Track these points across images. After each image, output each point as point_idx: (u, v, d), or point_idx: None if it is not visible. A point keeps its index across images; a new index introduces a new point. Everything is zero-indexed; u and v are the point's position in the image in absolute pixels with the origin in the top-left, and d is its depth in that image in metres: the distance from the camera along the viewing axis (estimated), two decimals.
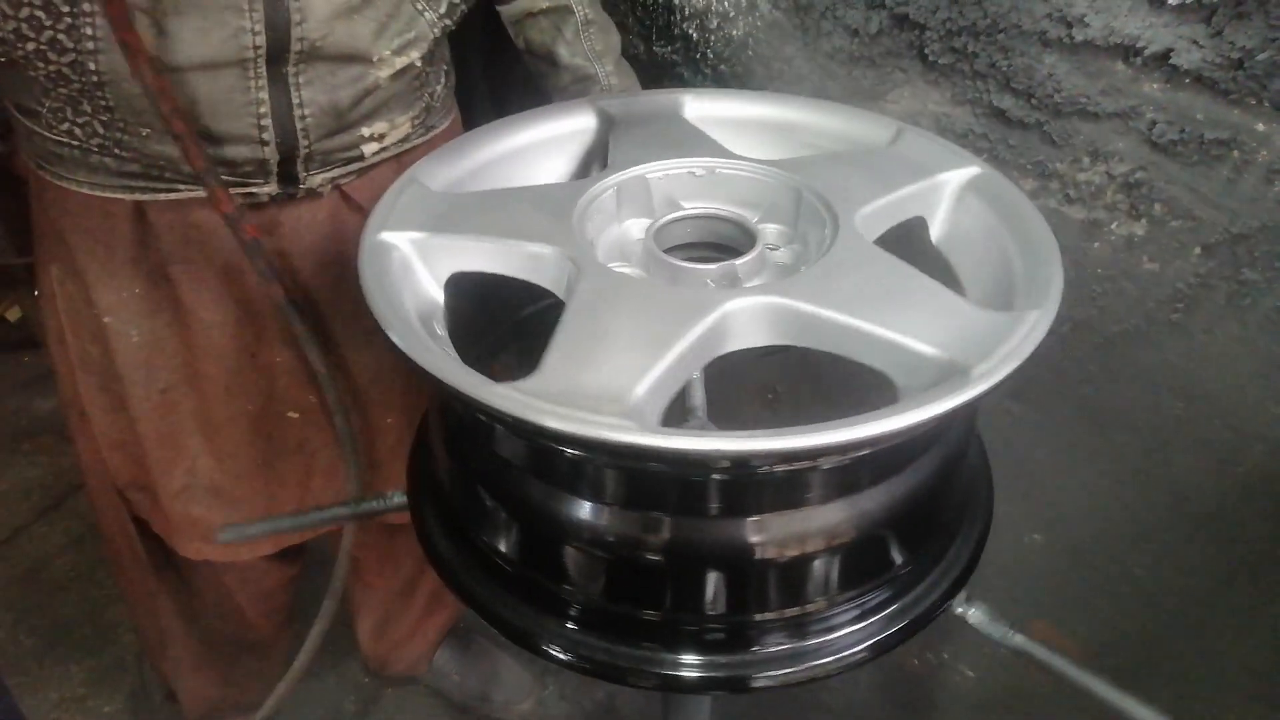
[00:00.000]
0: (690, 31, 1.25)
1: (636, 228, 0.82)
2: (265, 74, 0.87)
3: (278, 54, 0.86)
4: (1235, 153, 1.02)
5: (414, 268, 0.74)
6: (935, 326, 0.65)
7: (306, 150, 0.94)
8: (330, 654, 1.73)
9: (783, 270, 0.79)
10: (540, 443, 0.65)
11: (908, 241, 0.81)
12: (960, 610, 0.77)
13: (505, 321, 0.95)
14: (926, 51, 1.11)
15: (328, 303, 1.06)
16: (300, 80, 0.89)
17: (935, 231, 0.84)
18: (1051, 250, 0.73)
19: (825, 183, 0.80)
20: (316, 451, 1.15)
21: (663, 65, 1.31)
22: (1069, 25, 1.02)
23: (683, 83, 1.31)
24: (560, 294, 0.71)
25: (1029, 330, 0.63)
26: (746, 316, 0.67)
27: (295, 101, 0.90)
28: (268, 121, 0.90)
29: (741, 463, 0.60)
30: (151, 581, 1.25)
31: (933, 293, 0.69)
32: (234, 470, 1.11)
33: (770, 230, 0.82)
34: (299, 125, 0.92)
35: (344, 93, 0.92)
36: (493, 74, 1.38)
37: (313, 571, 1.50)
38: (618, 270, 0.73)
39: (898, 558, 0.72)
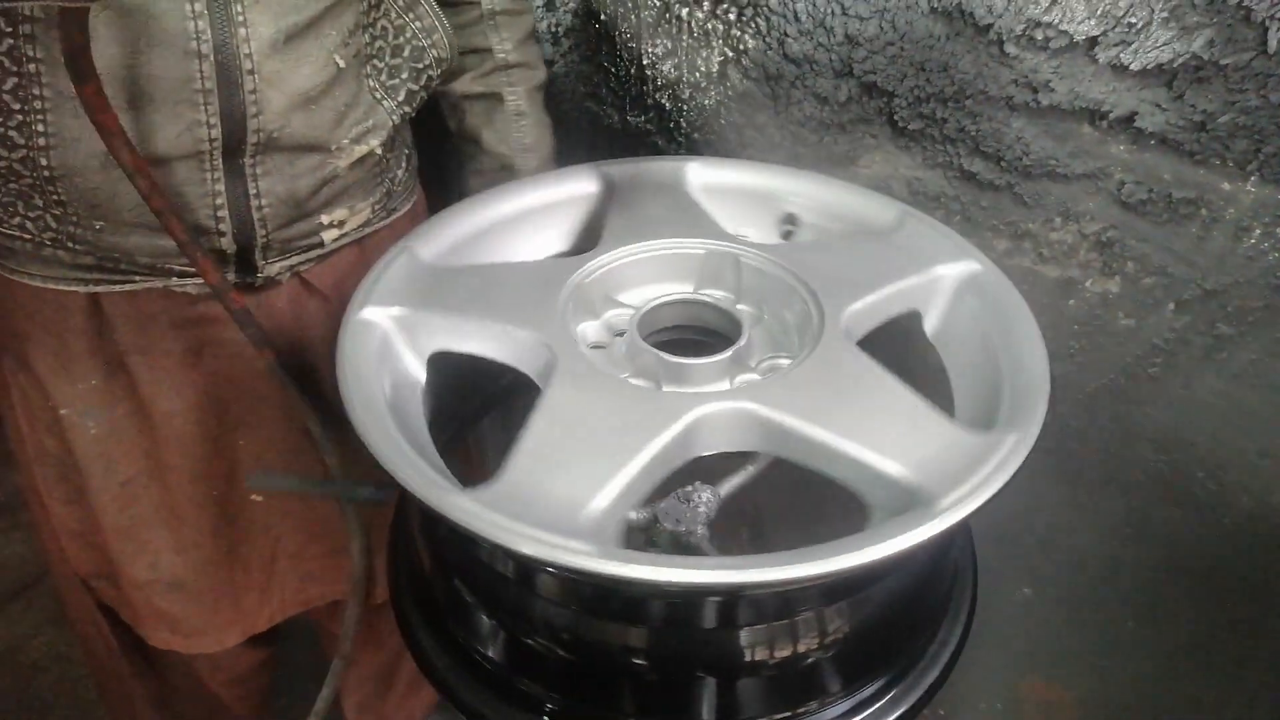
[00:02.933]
0: (663, 101, 1.27)
1: (624, 310, 0.81)
2: (221, 166, 0.86)
3: (234, 146, 0.86)
4: (1203, 211, 1.03)
5: (395, 345, 0.73)
6: (906, 445, 0.62)
7: (264, 240, 0.93)
8: None
9: (765, 368, 0.78)
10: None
11: (905, 333, 0.80)
12: None
13: (487, 388, 0.95)
14: (896, 118, 1.13)
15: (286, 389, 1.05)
16: (258, 171, 0.88)
17: (930, 326, 0.81)
18: (1040, 366, 0.69)
19: (817, 273, 0.78)
20: (282, 535, 1.13)
21: (637, 134, 1.32)
22: (1034, 90, 1.03)
23: (657, 151, 1.32)
24: (539, 381, 0.70)
25: (1003, 458, 0.60)
26: (716, 423, 0.65)
27: (253, 192, 0.89)
28: (224, 213, 0.89)
29: (690, 594, 0.59)
30: (123, 668, 1.22)
31: (909, 407, 0.66)
32: (197, 562, 1.09)
33: (758, 320, 0.81)
34: (256, 216, 0.90)
35: (303, 182, 0.92)
36: None
37: (290, 648, 1.47)
38: (594, 362, 0.72)
39: (884, 656, 0.71)
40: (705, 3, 1.17)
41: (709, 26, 1.18)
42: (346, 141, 0.93)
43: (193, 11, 0.79)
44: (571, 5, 1.30)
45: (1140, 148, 1.03)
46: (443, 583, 0.76)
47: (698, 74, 1.22)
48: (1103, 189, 1.08)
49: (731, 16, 1.16)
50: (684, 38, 1.21)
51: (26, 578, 2.09)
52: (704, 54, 1.20)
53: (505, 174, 1.16)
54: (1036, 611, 1.55)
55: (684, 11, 1.19)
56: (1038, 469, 1.35)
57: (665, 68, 1.24)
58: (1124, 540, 1.39)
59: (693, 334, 0.82)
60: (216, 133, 0.84)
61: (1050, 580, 1.51)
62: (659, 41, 1.23)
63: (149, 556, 1.07)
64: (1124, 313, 1.16)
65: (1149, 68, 0.96)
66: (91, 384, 0.97)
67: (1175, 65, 0.94)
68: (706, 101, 1.24)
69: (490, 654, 0.73)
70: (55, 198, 0.86)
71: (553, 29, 1.33)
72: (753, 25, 1.15)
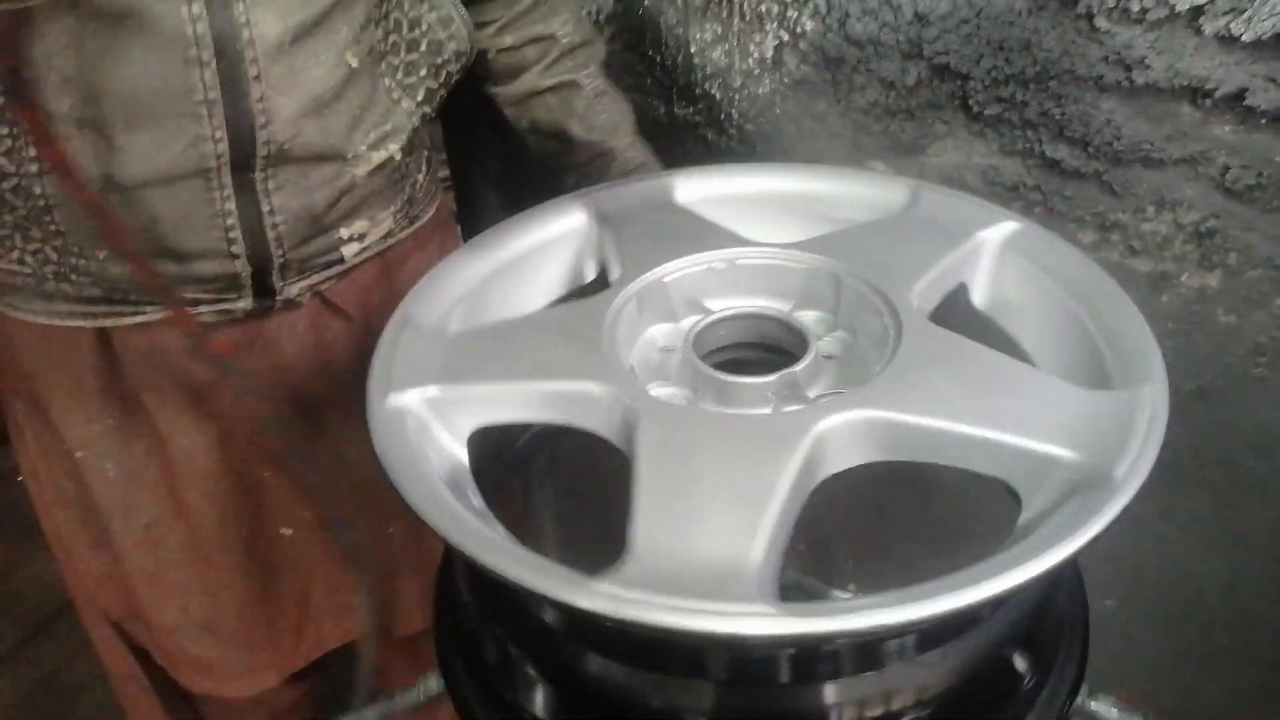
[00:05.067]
0: (713, 91, 1.18)
1: (661, 336, 0.74)
2: (230, 183, 0.79)
3: (243, 160, 0.79)
4: None
5: (431, 430, 0.64)
6: (1055, 422, 0.58)
7: (281, 260, 0.86)
8: None
9: (842, 368, 0.71)
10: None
11: (946, 310, 0.75)
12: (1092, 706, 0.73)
13: (504, 454, 0.86)
14: (970, 102, 1.03)
15: (315, 414, 0.98)
16: (270, 186, 0.81)
17: (978, 296, 0.78)
18: (1129, 310, 0.67)
19: (860, 261, 0.73)
20: (314, 568, 1.07)
21: (685, 127, 1.24)
22: (1128, 68, 0.94)
23: (706, 145, 1.24)
24: (612, 438, 0.62)
25: (1151, 414, 0.57)
26: (841, 437, 0.59)
27: (265, 210, 0.82)
28: (236, 234, 0.82)
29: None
30: (158, 711, 1.18)
31: (1033, 380, 0.63)
32: (229, 603, 1.03)
33: (811, 322, 0.74)
34: (271, 234, 0.84)
35: (319, 195, 0.84)
36: (505, 149, 1.31)
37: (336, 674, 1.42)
38: (671, 400, 0.65)
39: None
40: None
41: (762, 8, 1.10)
42: (364, 148, 0.85)
43: (190, 15, 0.72)
44: None
45: (1249, 128, 0.93)
46: (490, 636, 0.69)
47: (750, 60, 1.14)
48: (1203, 174, 0.98)
49: None
50: (735, 21, 1.12)
51: (67, 598, 2.06)
52: (757, 38, 1.12)
53: (604, 160, 1.07)
54: (1121, 622, 1.45)
55: None
56: None
57: (715, 54, 1.16)
58: (1217, 550, 1.30)
59: (745, 350, 0.75)
60: (223, 147, 0.77)
61: (1135, 591, 1.41)
62: (708, 26, 1.14)
63: (178, 600, 1.01)
64: (1224, 309, 1.06)
65: (1264, 38, 0.86)
66: (108, 424, 0.91)
67: None
68: (760, 90, 1.15)
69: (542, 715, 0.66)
70: (53, 228, 0.80)
71: (594, 15, 1.25)
72: (810, 5, 1.07)
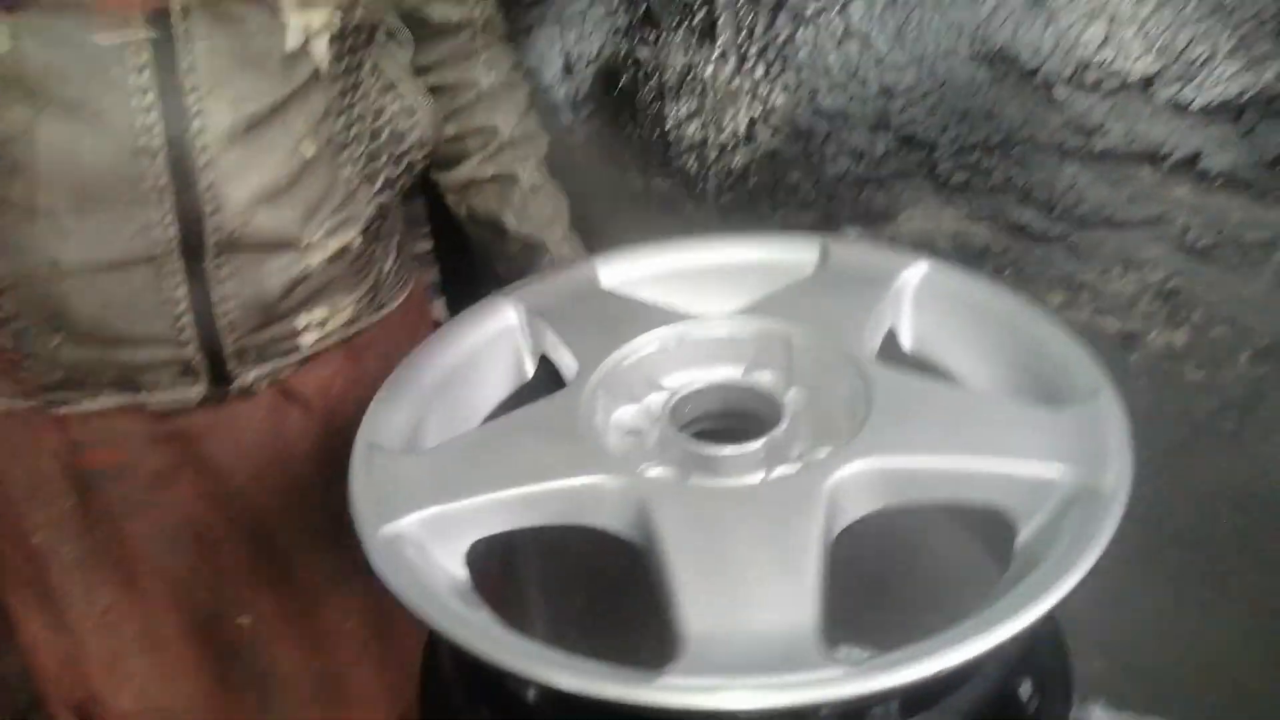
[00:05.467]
0: (689, 164, 1.22)
1: (628, 419, 0.74)
2: (181, 269, 0.79)
3: (193, 247, 0.78)
4: (1279, 254, 0.96)
5: (429, 552, 0.61)
6: (1040, 444, 0.61)
7: (235, 347, 0.85)
8: None
9: (812, 424, 0.72)
10: None
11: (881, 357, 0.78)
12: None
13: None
14: (937, 170, 1.07)
15: (269, 506, 0.97)
16: (222, 274, 0.81)
17: (906, 338, 0.80)
18: (1053, 327, 0.70)
19: (802, 319, 0.75)
20: (276, 658, 1.04)
21: (663, 199, 1.27)
22: (1087, 134, 0.98)
23: (685, 217, 1.27)
24: (621, 529, 0.61)
25: (1116, 420, 0.60)
26: (851, 491, 0.60)
27: (216, 298, 0.82)
28: (187, 320, 0.81)
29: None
30: None
31: (1009, 409, 0.67)
32: (184, 692, 1.01)
33: (769, 384, 0.76)
34: (222, 321, 0.83)
35: (271, 282, 0.84)
36: None
37: None
38: (685, 484, 0.65)
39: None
40: (730, 61, 1.12)
41: (735, 85, 1.14)
42: (319, 236, 0.85)
43: (143, 104, 0.73)
44: (590, 71, 1.26)
45: (1206, 189, 0.96)
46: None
47: (724, 134, 1.18)
48: (1164, 235, 1.01)
49: (759, 73, 1.11)
50: (709, 97, 1.16)
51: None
52: (731, 113, 1.16)
53: (534, 253, 1.08)
54: (1108, 683, 1.45)
55: (708, 71, 1.15)
56: None
57: (690, 129, 1.20)
58: (1202, 607, 1.30)
59: (713, 420, 0.76)
60: (173, 233, 0.77)
61: (1122, 650, 1.41)
62: (683, 103, 1.18)
63: (134, 686, 0.99)
64: (1192, 365, 1.09)
65: (1213, 104, 0.90)
66: (65, 507, 0.90)
67: (1244, 100, 0.88)
68: (735, 162, 1.19)
69: None
70: (3, 314, 0.80)
71: (571, 95, 1.29)
72: (781, 81, 1.11)
